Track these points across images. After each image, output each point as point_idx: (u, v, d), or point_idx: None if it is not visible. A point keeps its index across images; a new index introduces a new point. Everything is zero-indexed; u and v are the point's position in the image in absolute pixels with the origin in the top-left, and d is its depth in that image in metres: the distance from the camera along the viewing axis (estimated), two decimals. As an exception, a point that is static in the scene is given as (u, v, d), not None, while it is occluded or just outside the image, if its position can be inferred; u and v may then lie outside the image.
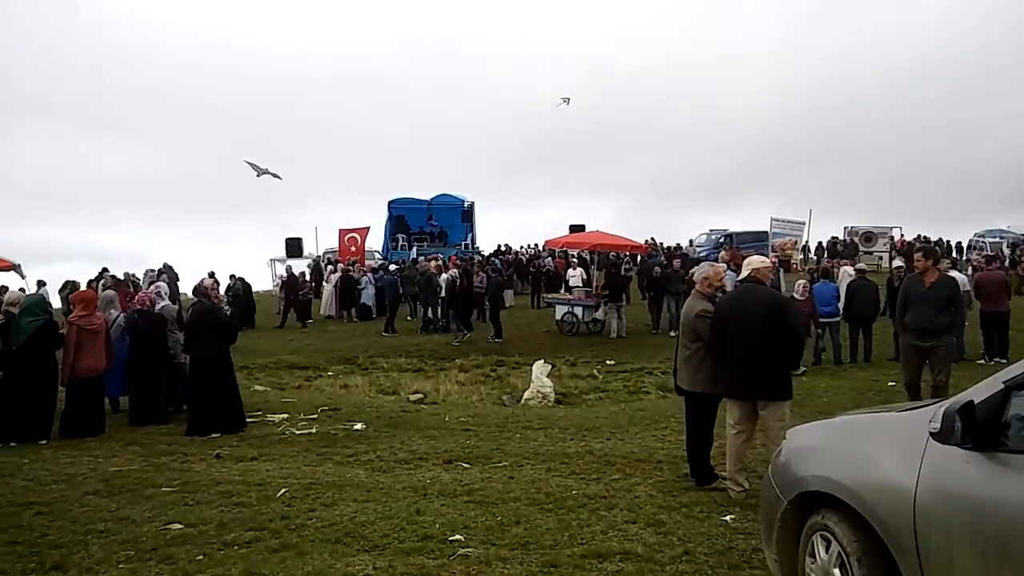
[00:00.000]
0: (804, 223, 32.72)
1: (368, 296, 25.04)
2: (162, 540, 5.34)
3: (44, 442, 8.75)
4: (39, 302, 9.66)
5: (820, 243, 37.33)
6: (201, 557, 4.99)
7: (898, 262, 14.67)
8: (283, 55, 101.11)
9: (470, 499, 6.24)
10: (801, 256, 33.40)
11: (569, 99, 35.80)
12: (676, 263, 20.85)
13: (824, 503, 3.53)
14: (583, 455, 7.87)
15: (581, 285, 22.95)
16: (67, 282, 20.32)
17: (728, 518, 5.63)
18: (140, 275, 23.90)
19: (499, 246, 34.55)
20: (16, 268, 22.64)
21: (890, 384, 11.61)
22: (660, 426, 9.35)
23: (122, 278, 21.61)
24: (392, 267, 25.31)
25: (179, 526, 5.63)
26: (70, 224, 77.98)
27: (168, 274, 25.25)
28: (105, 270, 24.03)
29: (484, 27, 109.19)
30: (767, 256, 14.07)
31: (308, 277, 26.76)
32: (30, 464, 7.68)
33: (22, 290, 17.57)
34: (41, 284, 21.96)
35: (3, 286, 16.19)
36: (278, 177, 32.02)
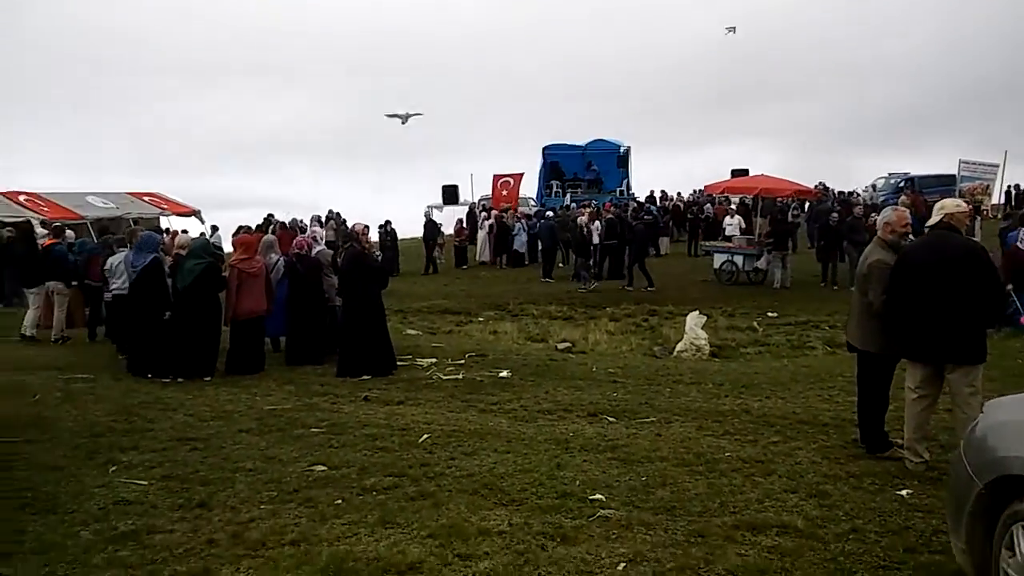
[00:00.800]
0: (998, 166, 29.58)
1: (520, 243, 25.00)
2: (305, 482, 5.41)
3: (208, 379, 9.24)
4: (204, 245, 10.19)
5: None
6: (340, 501, 4.99)
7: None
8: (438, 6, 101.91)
9: (614, 456, 5.92)
10: (1001, 201, 30.23)
11: (735, 28, 34.04)
12: (858, 210, 19.40)
13: (1029, 489, 3.01)
14: (739, 414, 7.33)
15: (739, 234, 21.81)
16: (240, 227, 21.58)
17: (904, 492, 5.00)
18: (307, 221, 25.00)
19: (651, 192, 33.42)
20: (196, 214, 24.44)
21: (1101, 346, 10.19)
22: (827, 385, 8.59)
23: (288, 224, 22.73)
24: (548, 214, 25.09)
25: (322, 468, 5.69)
26: (246, 173, 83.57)
27: (335, 220, 26.29)
28: (271, 216, 25.34)
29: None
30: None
31: (464, 224, 27.06)
32: (192, 400, 8.12)
33: (202, 234, 18.81)
34: (215, 229, 23.49)
35: (184, 230, 17.31)
36: (420, 114, 33.14)
